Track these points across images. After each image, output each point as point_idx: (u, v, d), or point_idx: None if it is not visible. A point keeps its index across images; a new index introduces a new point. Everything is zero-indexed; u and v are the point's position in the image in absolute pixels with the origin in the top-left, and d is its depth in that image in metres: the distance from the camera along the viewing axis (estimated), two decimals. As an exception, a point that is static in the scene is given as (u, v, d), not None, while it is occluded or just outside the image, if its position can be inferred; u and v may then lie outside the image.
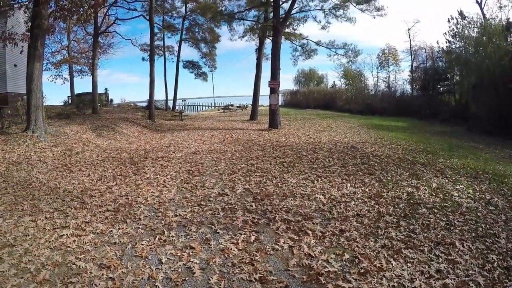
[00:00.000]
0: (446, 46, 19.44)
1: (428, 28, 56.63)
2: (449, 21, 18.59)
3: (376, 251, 3.22)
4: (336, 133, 12.69)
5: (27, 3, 10.33)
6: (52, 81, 23.27)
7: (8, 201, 5.01)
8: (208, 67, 30.48)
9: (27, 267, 3.03)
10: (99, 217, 4.26)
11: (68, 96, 26.53)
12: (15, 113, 13.43)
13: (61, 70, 23.73)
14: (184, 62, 29.64)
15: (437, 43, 22.36)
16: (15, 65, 16.82)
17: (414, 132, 13.75)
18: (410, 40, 25.64)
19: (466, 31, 18.03)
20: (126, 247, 3.41)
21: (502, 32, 14.60)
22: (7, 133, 9.68)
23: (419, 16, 62.94)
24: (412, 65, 25.10)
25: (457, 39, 18.55)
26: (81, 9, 10.24)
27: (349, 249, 3.28)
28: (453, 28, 18.54)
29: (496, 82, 13.30)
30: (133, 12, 22.32)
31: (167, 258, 3.16)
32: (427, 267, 2.94)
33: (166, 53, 27.77)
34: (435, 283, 2.70)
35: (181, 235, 3.68)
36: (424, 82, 22.78)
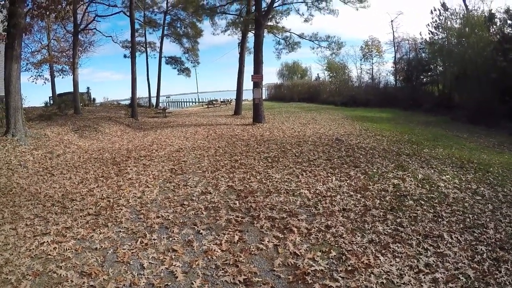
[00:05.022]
0: (429, 38, 19.68)
1: (411, 19, 57.54)
2: (431, 12, 18.81)
3: (364, 246, 3.12)
4: (321, 126, 12.63)
5: (2, 2, 9.83)
6: (33, 81, 22.40)
7: (-12, 209, 4.74)
8: (191, 62, 30.00)
9: (8, 278, 2.91)
10: (80, 222, 4.11)
11: (49, 97, 25.69)
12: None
13: (42, 70, 22.86)
14: (167, 58, 29.04)
15: (420, 34, 22.35)
16: None
17: (398, 122, 13.83)
18: (393, 32, 25.65)
19: (449, 23, 18.26)
20: (108, 253, 3.28)
21: (484, 23, 14.81)
22: (-14, 138, 9.25)
23: (402, 8, 63.53)
24: (395, 56, 25.25)
25: (440, 30, 18.77)
26: (59, 6, 9.88)
27: (336, 245, 3.17)
28: (436, 20, 18.76)
29: (478, 72, 13.48)
30: (113, 8, 21.48)
31: (149, 263, 3.04)
32: (416, 261, 2.85)
33: (148, 49, 27.16)
34: (424, 277, 2.61)
35: (163, 238, 3.55)
36: (408, 73, 22.99)
